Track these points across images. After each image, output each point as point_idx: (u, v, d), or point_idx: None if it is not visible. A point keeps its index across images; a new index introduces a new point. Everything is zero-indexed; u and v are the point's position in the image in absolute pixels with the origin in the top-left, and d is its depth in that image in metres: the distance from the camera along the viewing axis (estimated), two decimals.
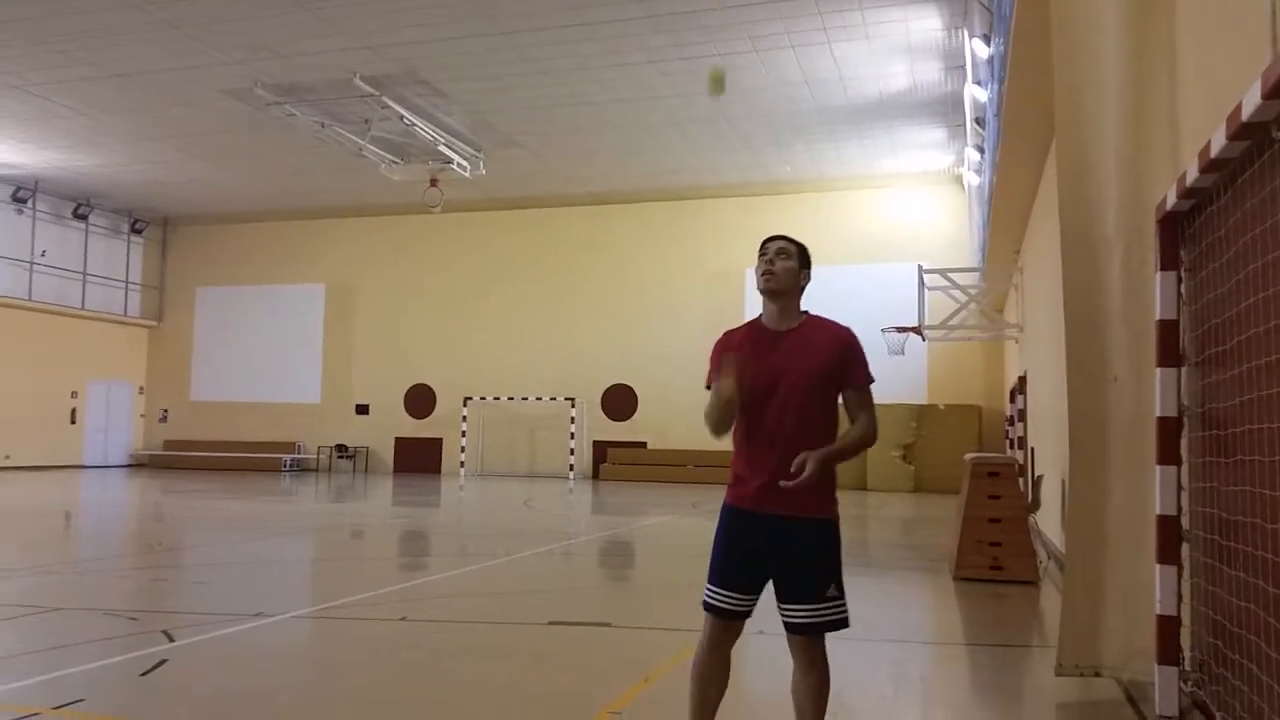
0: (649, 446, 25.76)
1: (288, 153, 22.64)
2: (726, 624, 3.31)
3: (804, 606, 3.21)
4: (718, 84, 4.97)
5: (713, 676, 3.33)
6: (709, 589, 3.31)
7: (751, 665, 5.10)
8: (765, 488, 3.23)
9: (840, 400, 3.35)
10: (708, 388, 3.34)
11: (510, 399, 27.20)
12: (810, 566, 3.23)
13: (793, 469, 3.13)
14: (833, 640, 3.23)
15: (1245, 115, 3.09)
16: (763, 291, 3.36)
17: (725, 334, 3.44)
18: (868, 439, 3.31)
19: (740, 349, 3.32)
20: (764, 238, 3.43)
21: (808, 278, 3.40)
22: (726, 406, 3.21)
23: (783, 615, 3.27)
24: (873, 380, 3.34)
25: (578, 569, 9.92)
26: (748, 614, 3.32)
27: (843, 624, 3.26)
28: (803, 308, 3.40)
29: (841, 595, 3.26)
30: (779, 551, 3.23)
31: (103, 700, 4.55)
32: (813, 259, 3.45)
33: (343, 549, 11.22)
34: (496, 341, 27.69)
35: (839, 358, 3.28)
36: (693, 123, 20.23)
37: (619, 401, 26.62)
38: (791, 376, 3.24)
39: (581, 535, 13.09)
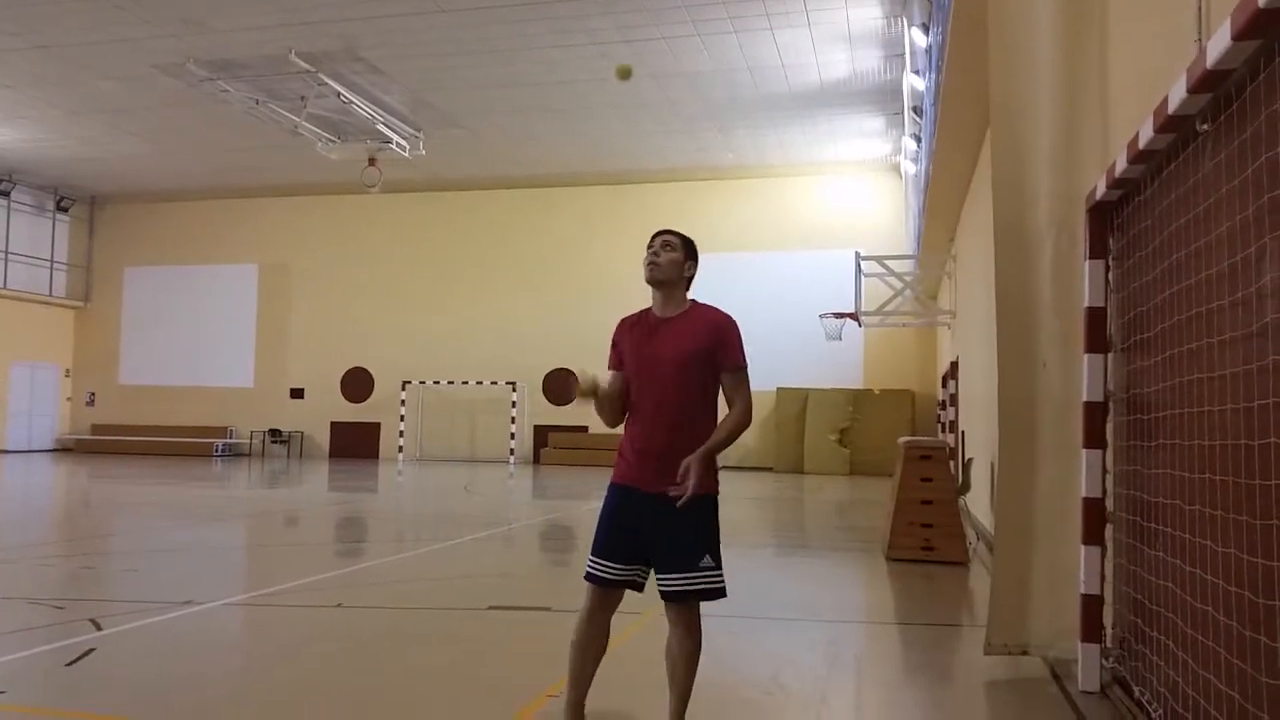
0: (590, 431, 25.74)
1: (221, 130, 22.07)
2: (605, 593, 3.49)
3: (677, 575, 3.39)
4: (625, 74, 5.23)
5: (589, 644, 3.51)
6: (591, 559, 3.50)
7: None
8: (644, 465, 3.46)
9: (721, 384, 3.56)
10: (610, 370, 3.58)
11: (450, 383, 26.96)
12: (684, 538, 3.40)
13: (678, 478, 3.31)
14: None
15: (1171, 108, 3.17)
16: (648, 281, 3.57)
17: (621, 320, 3.66)
18: (742, 424, 3.48)
19: (630, 334, 3.59)
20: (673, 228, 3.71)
21: (693, 269, 3.61)
22: (601, 402, 3.48)
23: (659, 584, 3.44)
24: (745, 364, 3.54)
25: (518, 554, 9.89)
26: (627, 584, 3.48)
27: (718, 593, 3.43)
28: (690, 296, 3.61)
29: (718, 566, 3.43)
30: (656, 525, 3.41)
31: (25, 692, 4.42)
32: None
33: (276, 535, 11.04)
34: (436, 324, 27.39)
35: (712, 341, 3.49)
36: (635, 106, 20.17)
37: (560, 386, 26.54)
38: (667, 361, 3.47)
39: (522, 520, 13.05)
